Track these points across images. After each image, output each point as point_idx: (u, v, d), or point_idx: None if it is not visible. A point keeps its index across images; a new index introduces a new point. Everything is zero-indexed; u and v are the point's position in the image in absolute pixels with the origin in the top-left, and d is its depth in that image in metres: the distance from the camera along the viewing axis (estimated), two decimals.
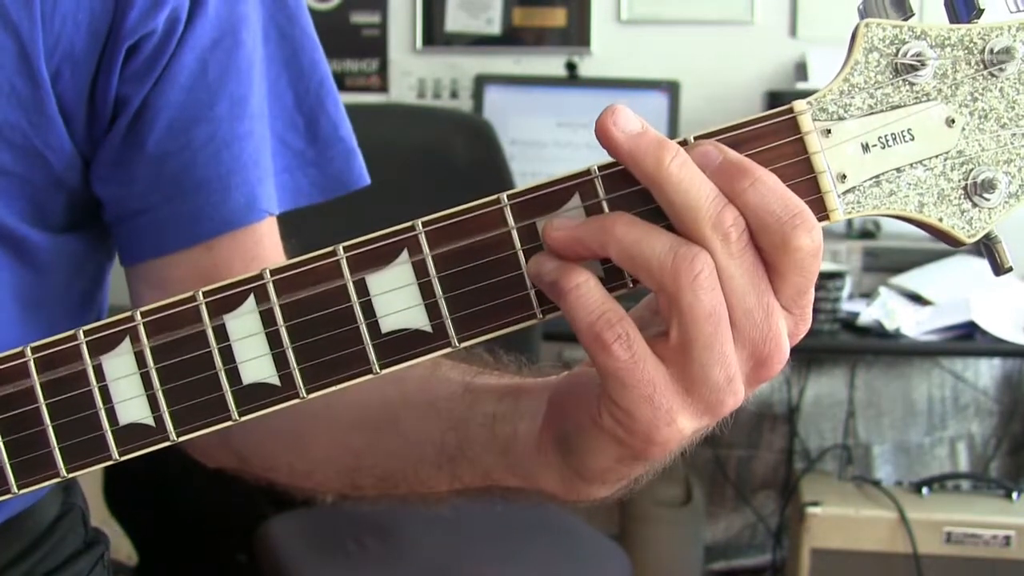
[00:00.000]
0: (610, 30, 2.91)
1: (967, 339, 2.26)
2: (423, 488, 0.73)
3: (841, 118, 0.56)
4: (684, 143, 0.56)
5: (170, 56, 0.74)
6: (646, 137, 0.54)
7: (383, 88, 3.00)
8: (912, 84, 0.56)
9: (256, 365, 0.57)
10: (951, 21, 0.57)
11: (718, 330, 0.54)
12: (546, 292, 0.56)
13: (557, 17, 2.93)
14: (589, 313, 0.54)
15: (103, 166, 0.76)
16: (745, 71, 2.83)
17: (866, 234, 2.60)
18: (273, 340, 0.57)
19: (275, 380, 0.57)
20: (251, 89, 0.78)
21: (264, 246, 0.81)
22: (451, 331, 0.56)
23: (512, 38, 2.95)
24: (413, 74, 2.99)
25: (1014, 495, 2.39)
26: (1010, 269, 0.57)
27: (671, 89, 2.72)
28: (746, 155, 0.55)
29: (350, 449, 0.75)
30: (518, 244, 0.56)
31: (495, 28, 2.95)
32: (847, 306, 2.31)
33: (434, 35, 2.97)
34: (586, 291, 0.54)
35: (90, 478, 2.45)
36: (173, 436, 0.58)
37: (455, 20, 2.95)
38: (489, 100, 2.79)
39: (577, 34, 2.92)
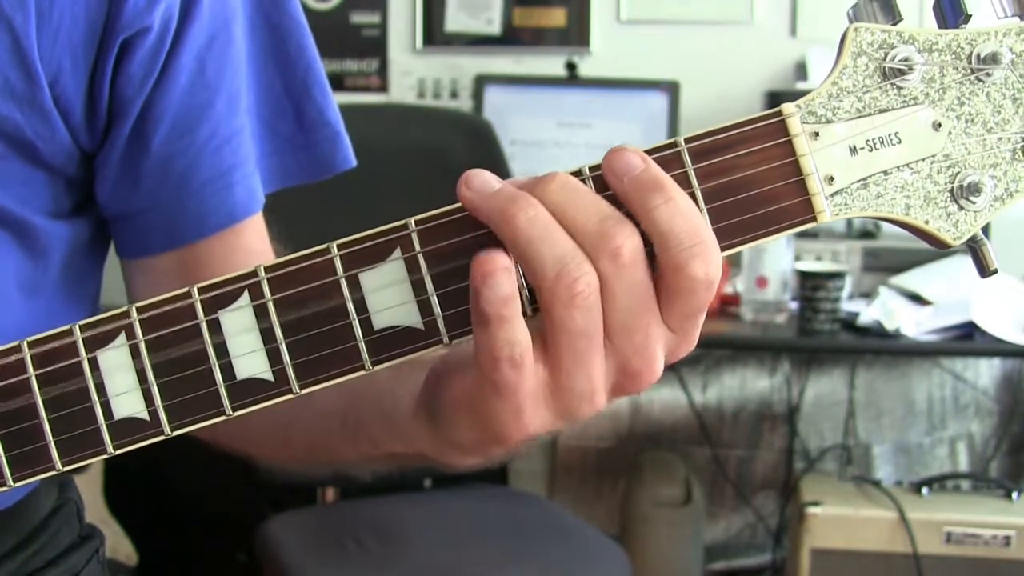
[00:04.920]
0: (610, 30, 2.92)
1: (967, 339, 2.25)
2: (339, 457, 0.75)
3: (829, 121, 0.56)
4: (674, 144, 0.56)
5: (169, 57, 0.75)
6: (501, 193, 0.55)
7: (383, 88, 3.00)
8: (900, 88, 0.56)
9: (250, 361, 0.58)
10: (939, 26, 0.57)
11: (589, 347, 0.55)
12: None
13: (557, 17, 2.94)
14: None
15: (109, 167, 0.78)
16: (745, 71, 2.83)
17: (866, 234, 2.60)
18: (267, 336, 0.58)
19: (268, 376, 0.58)
20: (242, 82, 0.80)
21: (260, 235, 0.83)
22: (443, 329, 0.57)
23: (512, 38, 2.95)
24: (413, 74, 2.99)
25: (1014, 495, 2.38)
26: (995, 272, 0.57)
27: (671, 89, 2.73)
28: (734, 157, 0.56)
29: (279, 423, 0.77)
30: None
31: (495, 28, 2.95)
32: (847, 306, 2.31)
33: (434, 35, 2.97)
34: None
35: (90, 478, 2.46)
36: (167, 430, 0.58)
37: (455, 20, 2.95)
38: (489, 100, 2.79)
39: (577, 34, 2.92)
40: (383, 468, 0.75)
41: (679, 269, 0.54)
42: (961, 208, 0.57)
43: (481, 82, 2.82)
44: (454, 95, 2.96)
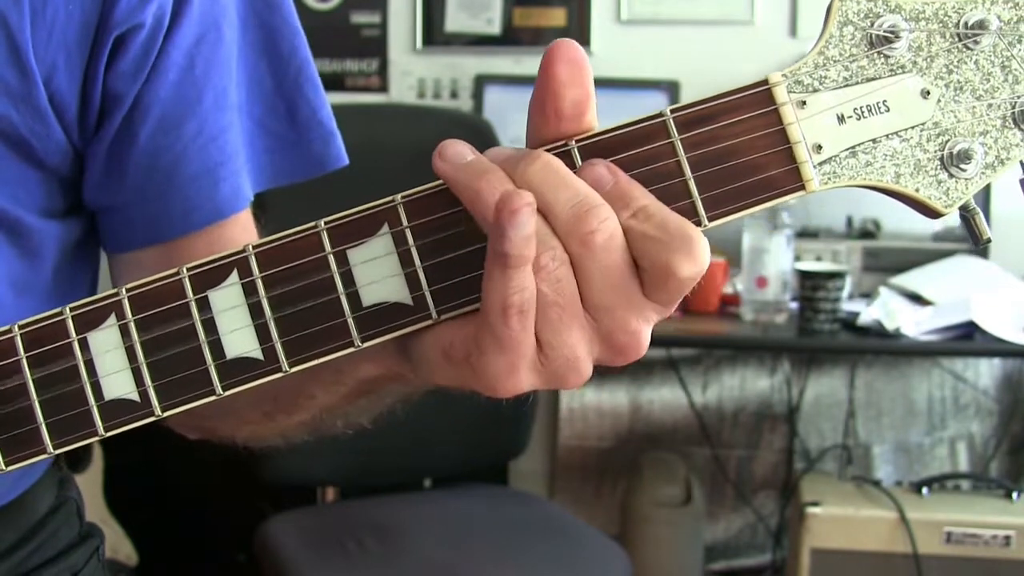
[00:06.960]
0: (610, 30, 2.92)
1: (967, 339, 2.25)
2: (314, 405, 0.74)
3: (816, 90, 0.56)
4: (660, 115, 0.56)
5: (159, 53, 0.75)
6: (472, 167, 0.55)
7: (383, 88, 3.01)
8: (887, 56, 0.56)
9: (239, 339, 0.58)
10: None
11: (563, 317, 0.55)
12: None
13: (557, 17, 2.94)
14: (510, 287, 0.54)
15: (96, 159, 0.78)
16: (745, 71, 2.79)
17: (866, 234, 2.60)
18: (256, 314, 0.57)
19: (258, 354, 0.58)
20: (231, 80, 0.80)
21: (246, 230, 0.83)
22: (431, 304, 0.57)
23: (512, 38, 2.96)
24: (413, 74, 3.00)
25: (1014, 495, 2.38)
26: (989, 240, 0.57)
27: (671, 89, 2.73)
28: (721, 127, 0.56)
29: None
30: None
31: (495, 28, 2.96)
32: (847, 306, 2.30)
33: (434, 35, 2.98)
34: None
35: (90, 477, 2.45)
36: (158, 411, 0.58)
37: (455, 20, 2.96)
38: (489, 100, 2.80)
39: (577, 34, 2.92)
40: (364, 409, 0.73)
41: (666, 271, 0.54)
42: (952, 176, 0.56)
43: (481, 82, 2.82)
44: (454, 95, 2.96)
